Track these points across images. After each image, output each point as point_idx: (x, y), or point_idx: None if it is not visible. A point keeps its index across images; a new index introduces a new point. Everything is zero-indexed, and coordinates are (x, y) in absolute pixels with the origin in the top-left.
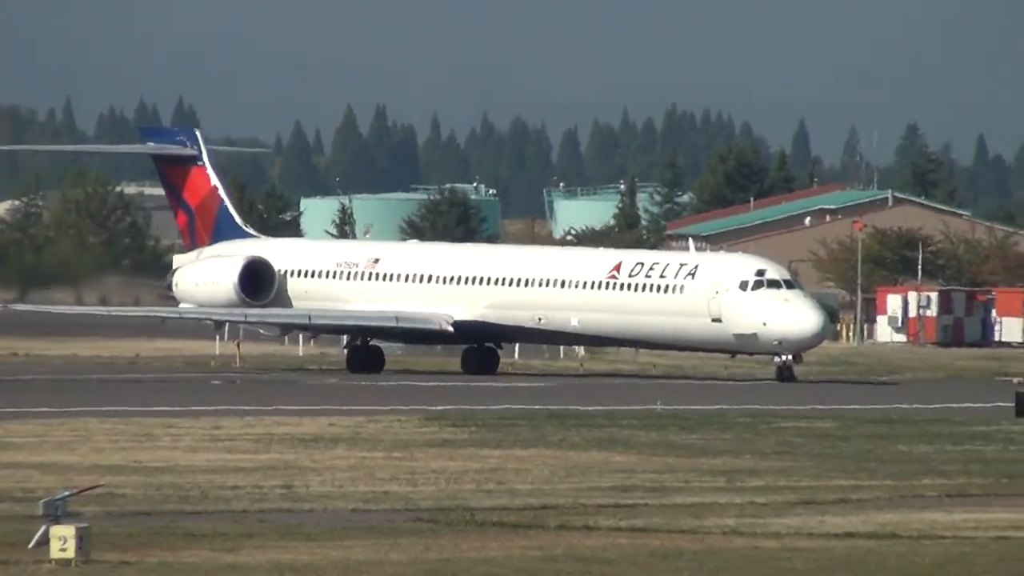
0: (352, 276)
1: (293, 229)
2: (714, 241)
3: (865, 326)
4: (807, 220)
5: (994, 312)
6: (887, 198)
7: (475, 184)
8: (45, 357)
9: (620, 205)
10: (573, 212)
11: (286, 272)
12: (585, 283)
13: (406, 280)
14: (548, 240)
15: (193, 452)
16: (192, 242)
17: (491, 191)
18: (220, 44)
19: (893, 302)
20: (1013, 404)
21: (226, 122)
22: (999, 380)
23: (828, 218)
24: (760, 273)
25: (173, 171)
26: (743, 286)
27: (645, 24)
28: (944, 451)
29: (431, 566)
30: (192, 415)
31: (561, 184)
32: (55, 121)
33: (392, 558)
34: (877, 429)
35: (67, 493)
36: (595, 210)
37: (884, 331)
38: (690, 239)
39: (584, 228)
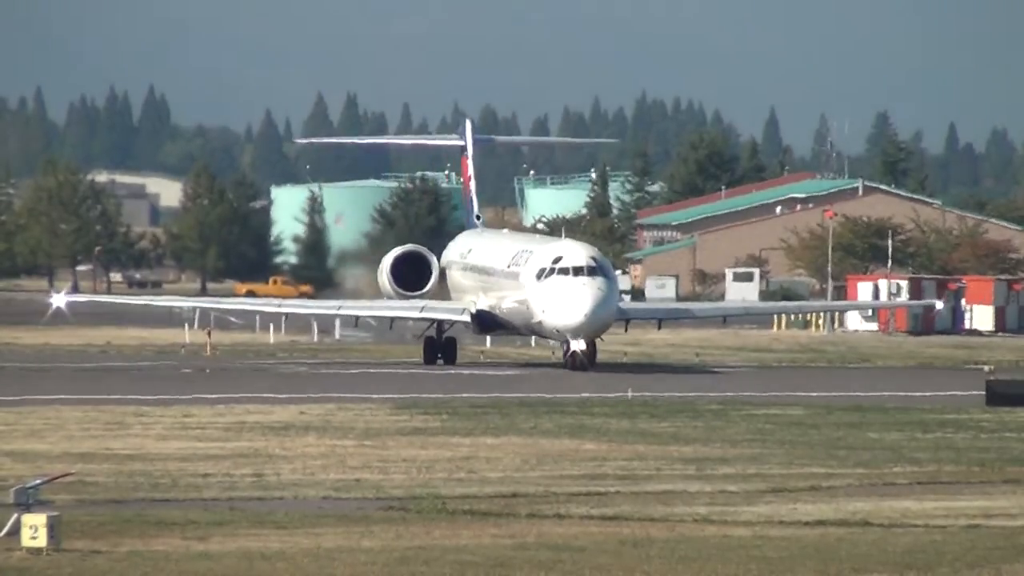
0: (460, 268)
1: (264, 216)
2: (685, 230)
3: (836, 314)
4: (778, 209)
5: (964, 300)
6: (858, 187)
7: (446, 172)
8: (16, 345)
9: (591, 194)
10: (543, 200)
11: (450, 264)
12: (497, 272)
13: (468, 271)
14: (519, 229)
15: (164, 440)
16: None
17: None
18: (191, 32)
19: (864, 290)
20: (983, 392)
21: (196, 110)
22: (970, 368)
23: (799, 207)
24: (556, 260)
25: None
26: (540, 274)
27: (615, 12)
28: (915, 439)
29: (403, 554)
30: (163, 403)
31: (531, 173)
32: (26, 109)
33: (363, 546)
34: (848, 417)
35: (38, 481)
36: (565, 198)
37: (855, 319)
38: (539, 225)
39: (555, 216)
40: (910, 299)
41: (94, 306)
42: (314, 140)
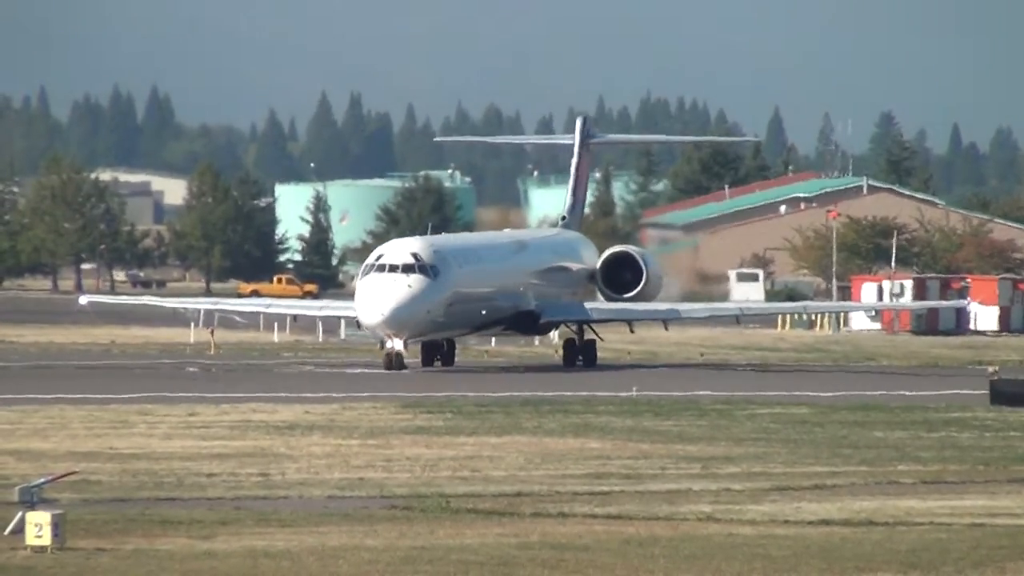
0: None
1: (268, 215)
2: (689, 230)
3: (841, 313)
4: (782, 208)
5: (969, 299)
6: (862, 186)
7: (450, 172)
8: (20, 344)
9: (595, 193)
10: (547, 200)
11: None
12: None
13: None
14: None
15: (168, 439)
16: None
17: (466, 179)
18: (194, 31)
19: (868, 290)
20: (987, 392)
21: (200, 109)
22: (973, 367)
23: (803, 206)
24: (378, 257)
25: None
26: (364, 271)
27: (619, 11)
28: (919, 438)
29: (406, 553)
30: (168, 402)
31: (535, 172)
32: (30, 108)
33: (367, 544)
34: (852, 416)
35: (43, 480)
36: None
37: (860, 318)
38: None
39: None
40: (914, 299)
41: (96, 305)
42: (452, 139)
